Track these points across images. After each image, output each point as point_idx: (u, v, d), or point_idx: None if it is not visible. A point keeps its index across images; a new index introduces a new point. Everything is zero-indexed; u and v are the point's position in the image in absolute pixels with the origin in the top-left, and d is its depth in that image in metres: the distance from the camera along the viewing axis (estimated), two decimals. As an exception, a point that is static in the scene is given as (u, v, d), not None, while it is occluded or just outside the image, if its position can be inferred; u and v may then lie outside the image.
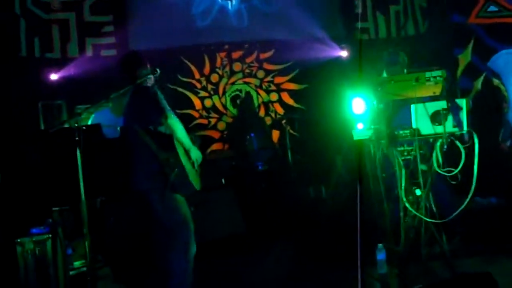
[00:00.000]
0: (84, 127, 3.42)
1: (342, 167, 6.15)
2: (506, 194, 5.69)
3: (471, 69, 6.79)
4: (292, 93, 7.68)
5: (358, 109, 4.16)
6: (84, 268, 4.22)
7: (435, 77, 3.89)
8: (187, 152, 3.47)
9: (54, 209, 5.19)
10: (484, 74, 6.58)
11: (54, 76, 6.60)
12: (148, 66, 3.65)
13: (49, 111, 6.36)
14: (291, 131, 7.29)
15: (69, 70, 6.59)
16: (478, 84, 6.67)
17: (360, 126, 4.16)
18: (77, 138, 3.30)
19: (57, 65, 6.60)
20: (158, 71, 3.59)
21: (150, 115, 3.36)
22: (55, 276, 3.52)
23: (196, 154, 3.52)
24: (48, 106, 6.36)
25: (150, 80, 3.63)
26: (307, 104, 7.56)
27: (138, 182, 3.50)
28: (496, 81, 6.40)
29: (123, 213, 5.45)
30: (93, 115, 6.47)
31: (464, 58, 6.86)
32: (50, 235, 3.58)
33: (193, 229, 3.51)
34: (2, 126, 5.86)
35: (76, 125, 3.33)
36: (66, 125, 3.90)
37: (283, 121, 6.84)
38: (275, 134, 7.22)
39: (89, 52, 6.66)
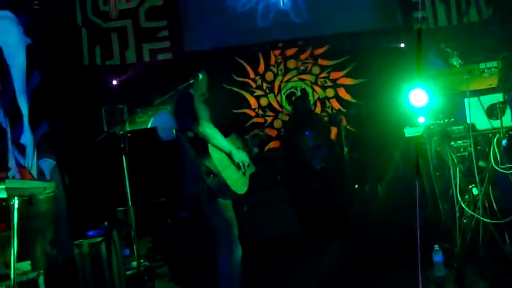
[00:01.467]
0: (129, 134, 3.52)
1: (399, 164, 5.96)
2: None
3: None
4: (348, 88, 7.52)
5: (419, 101, 4.00)
6: (142, 268, 4.38)
7: (489, 68, 3.67)
8: (230, 156, 3.49)
9: (119, 209, 5.47)
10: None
11: (115, 82, 6.89)
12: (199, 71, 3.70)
13: (112, 115, 6.63)
14: (348, 127, 7.18)
15: (129, 75, 6.85)
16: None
17: (421, 119, 3.99)
18: (122, 146, 3.43)
19: (117, 71, 6.88)
20: (200, 76, 3.63)
21: (185, 121, 3.42)
22: (110, 276, 3.68)
23: (239, 156, 3.53)
24: (111, 111, 6.63)
25: (197, 85, 3.68)
26: (365, 98, 7.37)
27: (186, 186, 3.62)
28: None
29: (180, 215, 5.64)
30: (152, 118, 6.71)
31: (532, 44, 6.38)
32: (104, 238, 3.74)
33: (237, 233, 3.54)
34: (70, 132, 6.21)
35: (121, 132, 3.44)
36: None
37: (340, 117, 6.74)
38: (333, 131, 7.10)
39: (146, 57, 6.87)
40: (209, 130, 3.36)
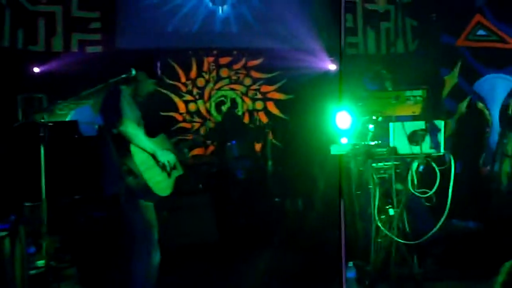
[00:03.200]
0: (50, 123, 3.31)
1: (321, 181, 6.09)
2: (484, 219, 5.66)
3: (457, 91, 6.79)
4: (278, 103, 7.63)
5: (343, 123, 4.11)
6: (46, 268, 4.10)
7: (415, 96, 3.86)
8: (154, 157, 3.38)
9: (26, 204, 5.11)
10: (469, 97, 6.58)
11: (36, 69, 6.49)
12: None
13: (29, 104, 6.24)
14: (274, 141, 7.26)
15: (53, 64, 6.48)
16: (463, 106, 6.67)
17: (344, 140, 4.11)
18: (41, 134, 3.21)
19: (41, 58, 6.49)
20: (133, 72, 3.50)
21: (109, 117, 3.29)
22: (12, 275, 3.40)
23: (165, 157, 3.43)
24: (28, 100, 6.23)
25: (132, 82, 3.54)
26: (292, 114, 7.50)
27: (105, 185, 3.46)
28: (480, 105, 6.42)
29: (94, 214, 5.38)
30: (73, 112, 6.38)
31: (451, 79, 6.86)
32: (8, 233, 3.46)
33: (156, 236, 3.43)
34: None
35: (42, 120, 3.23)
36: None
37: (267, 130, 6.81)
38: (259, 143, 7.15)
39: (74, 48, 6.56)
40: (131, 130, 3.23)
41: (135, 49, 6.64)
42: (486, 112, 6.32)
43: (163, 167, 3.42)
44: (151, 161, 3.36)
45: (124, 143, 3.24)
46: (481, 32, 6.34)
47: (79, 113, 6.23)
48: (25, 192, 4.83)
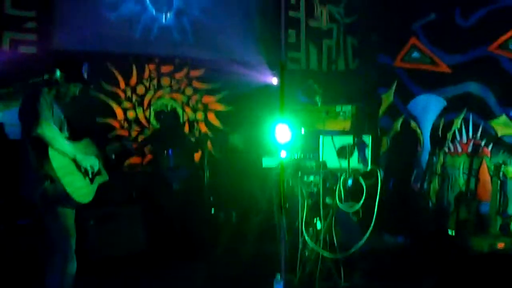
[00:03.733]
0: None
1: (257, 194, 6.09)
2: (413, 234, 5.82)
3: (393, 109, 6.99)
4: (218, 114, 7.58)
5: (282, 137, 4.12)
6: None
7: (344, 111, 3.94)
8: (75, 162, 3.25)
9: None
10: (403, 116, 6.79)
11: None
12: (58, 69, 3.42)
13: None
14: (213, 152, 7.20)
15: (-19, 63, 6.16)
16: (398, 125, 6.87)
17: (283, 154, 4.11)
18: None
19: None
20: (58, 73, 3.36)
21: (27, 120, 3.15)
22: None
23: (87, 162, 3.31)
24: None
25: (56, 83, 3.40)
26: (233, 126, 7.47)
27: (24, 190, 3.30)
28: (413, 124, 6.64)
29: (18, 222, 5.12)
30: (0, 113, 6.08)
31: (387, 98, 7.06)
32: None
33: (73, 245, 3.28)
34: None
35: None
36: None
37: (206, 141, 6.74)
38: (197, 154, 7.06)
39: (6, 46, 6.26)
40: (49, 133, 3.09)
41: (72, 51, 6.44)
42: (418, 131, 6.53)
43: (84, 172, 3.29)
44: (72, 166, 3.23)
45: (42, 146, 3.10)
46: (415, 54, 6.58)
47: (7, 115, 5.92)
48: None
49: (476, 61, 5.74)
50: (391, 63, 6.99)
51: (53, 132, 3.13)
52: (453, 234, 5.42)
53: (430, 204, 6.09)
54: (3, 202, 5.08)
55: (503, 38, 5.41)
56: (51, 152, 3.11)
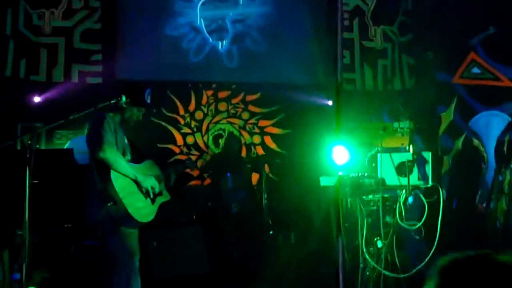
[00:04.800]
0: (37, 146, 3.35)
1: (315, 215, 6.05)
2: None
3: (453, 128, 6.80)
4: (275, 137, 7.66)
5: (340, 159, 4.13)
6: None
7: (402, 128, 3.88)
8: (136, 183, 3.39)
9: (19, 232, 5.09)
10: (465, 134, 6.59)
11: (37, 99, 6.60)
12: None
13: (25, 135, 6.31)
14: (270, 175, 7.25)
15: (53, 94, 6.59)
16: (459, 143, 6.67)
17: (341, 174, 4.11)
18: (27, 156, 3.24)
19: (42, 88, 6.61)
20: (123, 98, 3.55)
21: (92, 143, 3.34)
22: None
23: (148, 183, 3.44)
24: (27, 128, 6.31)
25: (121, 109, 3.59)
26: (289, 149, 7.52)
27: (89, 212, 3.48)
28: (476, 142, 6.42)
29: (85, 242, 5.35)
30: (69, 141, 6.45)
31: (447, 116, 6.89)
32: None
33: (137, 264, 3.40)
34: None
35: (29, 142, 3.27)
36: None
37: (263, 164, 6.81)
38: (255, 177, 7.14)
39: (74, 78, 6.69)
40: (110, 155, 3.26)
41: (134, 80, 6.77)
42: (482, 149, 6.31)
43: (146, 193, 3.43)
44: (133, 187, 3.37)
45: (104, 169, 3.27)
46: (475, 70, 6.41)
47: (75, 142, 6.27)
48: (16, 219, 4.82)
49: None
50: (450, 80, 6.84)
51: (114, 155, 3.29)
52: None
53: (498, 224, 5.83)
54: (73, 225, 5.33)
55: None
56: (113, 175, 3.27)
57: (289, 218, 6.34)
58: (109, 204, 3.25)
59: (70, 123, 4.09)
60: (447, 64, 6.91)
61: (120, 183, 3.28)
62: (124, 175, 3.32)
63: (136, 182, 3.38)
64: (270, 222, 6.23)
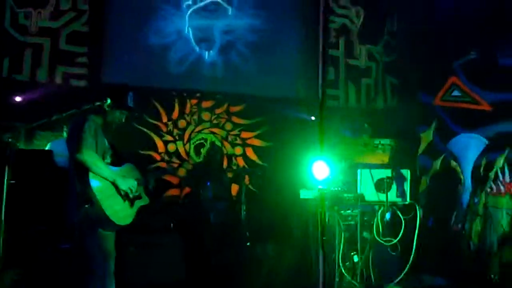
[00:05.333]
0: (16, 150, 3.32)
1: (294, 228, 6.07)
2: (452, 276, 5.64)
3: (432, 148, 6.92)
4: (256, 149, 7.69)
5: (320, 173, 4.16)
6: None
7: (383, 144, 3.95)
8: (115, 185, 3.38)
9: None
10: (443, 155, 6.71)
11: (18, 98, 6.52)
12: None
13: (5, 133, 6.22)
14: (250, 186, 7.26)
15: (35, 95, 6.52)
16: (437, 164, 6.78)
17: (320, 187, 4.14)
18: (7, 154, 3.20)
19: (24, 88, 6.54)
20: (108, 101, 3.54)
21: (72, 145, 3.33)
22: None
23: (126, 185, 3.43)
24: (7, 127, 6.22)
25: (105, 111, 3.58)
26: (270, 162, 7.54)
27: (67, 214, 3.45)
28: (453, 163, 6.53)
29: (61, 246, 5.27)
30: (49, 143, 6.37)
31: (426, 137, 7.01)
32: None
33: (113, 267, 3.38)
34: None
35: (9, 140, 3.23)
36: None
37: (243, 175, 6.82)
38: (235, 187, 7.14)
39: (58, 80, 6.64)
40: (89, 158, 3.26)
41: (118, 84, 6.73)
42: (459, 170, 6.43)
43: (124, 195, 3.41)
44: (111, 189, 3.36)
45: (83, 171, 3.26)
46: (456, 93, 6.56)
47: (56, 145, 6.20)
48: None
49: (518, 100, 5.68)
50: (431, 102, 6.97)
51: (93, 158, 3.28)
52: (496, 277, 5.23)
53: (472, 245, 5.92)
54: (49, 227, 5.25)
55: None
56: (91, 177, 3.26)
57: (268, 230, 6.34)
58: (86, 206, 3.23)
59: (51, 124, 4.07)
60: (429, 86, 7.05)
61: (98, 185, 3.28)
62: (102, 177, 3.31)
63: (114, 184, 3.37)
64: (248, 234, 6.22)
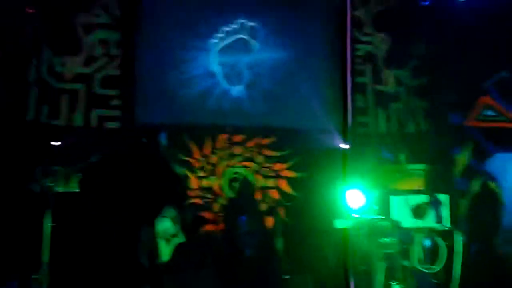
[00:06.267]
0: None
1: (331, 258, 6.00)
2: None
3: (469, 170, 6.75)
4: (290, 181, 7.66)
5: (355, 202, 4.14)
6: None
7: (417, 170, 3.90)
8: None
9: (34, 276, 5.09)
10: (481, 177, 6.53)
11: (57, 143, 6.74)
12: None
13: (47, 176, 6.43)
14: (285, 219, 7.23)
15: (72, 139, 6.73)
16: (476, 186, 6.59)
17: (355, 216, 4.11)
18: (48, 198, 3.31)
19: (61, 132, 6.77)
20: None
21: None
22: None
23: (163, 225, 3.48)
24: (47, 171, 6.43)
25: None
26: (304, 192, 7.50)
27: None
28: (493, 185, 6.35)
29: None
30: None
31: (462, 158, 6.85)
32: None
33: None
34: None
35: (49, 184, 3.34)
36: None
37: (278, 207, 6.81)
38: (269, 221, 7.12)
39: (93, 123, 6.85)
40: None
41: (151, 124, 6.91)
42: (499, 192, 6.24)
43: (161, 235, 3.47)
44: None
45: None
46: (489, 112, 6.44)
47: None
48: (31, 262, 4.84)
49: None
50: (464, 123, 6.86)
51: None
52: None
53: (519, 269, 5.70)
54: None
55: None
56: None
57: (305, 262, 6.27)
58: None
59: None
60: (462, 107, 6.95)
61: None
62: None
63: None
64: (286, 266, 6.17)
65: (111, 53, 7.05)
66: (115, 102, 7.00)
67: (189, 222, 3.93)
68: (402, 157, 5.57)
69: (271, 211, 7.16)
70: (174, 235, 3.61)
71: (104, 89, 6.99)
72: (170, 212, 3.76)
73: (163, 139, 3.81)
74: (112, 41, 7.08)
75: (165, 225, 3.52)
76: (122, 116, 7.00)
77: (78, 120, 6.83)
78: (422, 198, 3.85)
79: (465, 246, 5.91)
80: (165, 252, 3.52)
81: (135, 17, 7.22)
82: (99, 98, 6.94)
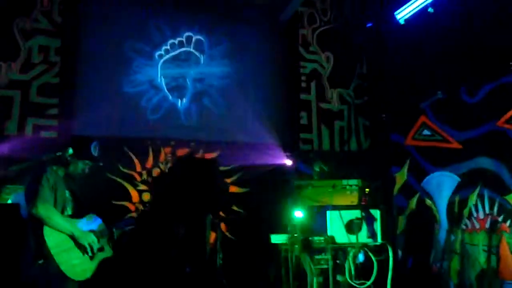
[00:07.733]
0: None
1: (271, 275, 5.95)
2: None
3: (407, 188, 6.93)
4: (233, 196, 7.60)
5: (295, 217, 4.13)
6: None
7: (351, 185, 3.93)
8: (73, 239, 3.28)
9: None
10: (418, 194, 6.71)
11: (-13, 153, 6.41)
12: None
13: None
14: (227, 234, 7.14)
15: (4, 148, 6.42)
16: (413, 203, 6.77)
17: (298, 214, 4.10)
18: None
19: (-6, 141, 6.45)
20: (70, 151, 3.51)
21: (27, 198, 3.27)
22: None
23: (87, 239, 3.33)
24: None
25: (68, 161, 3.54)
26: (247, 208, 7.45)
27: (22, 269, 3.33)
28: (429, 202, 6.54)
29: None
30: (12, 195, 6.22)
31: (401, 177, 7.03)
32: None
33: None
34: None
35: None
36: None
37: (220, 222, 6.72)
38: (212, 236, 7.01)
39: (28, 132, 6.57)
40: (43, 211, 3.19)
41: (91, 136, 6.66)
42: (434, 208, 6.42)
43: (84, 249, 3.30)
44: (69, 243, 3.26)
45: (38, 225, 3.19)
46: (426, 132, 6.64)
47: (21, 197, 6.06)
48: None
49: (486, 136, 5.75)
50: (403, 142, 7.05)
51: (47, 211, 3.21)
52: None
53: (452, 284, 5.84)
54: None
55: (510, 113, 5.46)
56: (46, 231, 3.18)
57: (244, 277, 6.20)
58: (40, 262, 3.11)
59: (17, 176, 3.98)
60: (401, 126, 7.15)
61: (54, 239, 3.17)
62: (59, 231, 3.21)
63: (73, 238, 3.26)
64: (225, 282, 6.06)
65: (51, 60, 6.81)
66: (52, 111, 6.74)
67: (118, 236, 3.75)
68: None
69: (213, 226, 7.04)
70: (100, 249, 3.44)
71: (42, 97, 6.72)
72: (96, 223, 3.59)
73: (93, 148, 3.66)
74: (52, 48, 6.85)
75: (89, 239, 3.36)
76: (59, 126, 6.74)
77: (12, 128, 6.52)
78: (355, 214, 3.88)
79: (401, 261, 6.06)
80: (87, 268, 3.35)
81: (77, 25, 7.03)
82: (36, 106, 6.66)
